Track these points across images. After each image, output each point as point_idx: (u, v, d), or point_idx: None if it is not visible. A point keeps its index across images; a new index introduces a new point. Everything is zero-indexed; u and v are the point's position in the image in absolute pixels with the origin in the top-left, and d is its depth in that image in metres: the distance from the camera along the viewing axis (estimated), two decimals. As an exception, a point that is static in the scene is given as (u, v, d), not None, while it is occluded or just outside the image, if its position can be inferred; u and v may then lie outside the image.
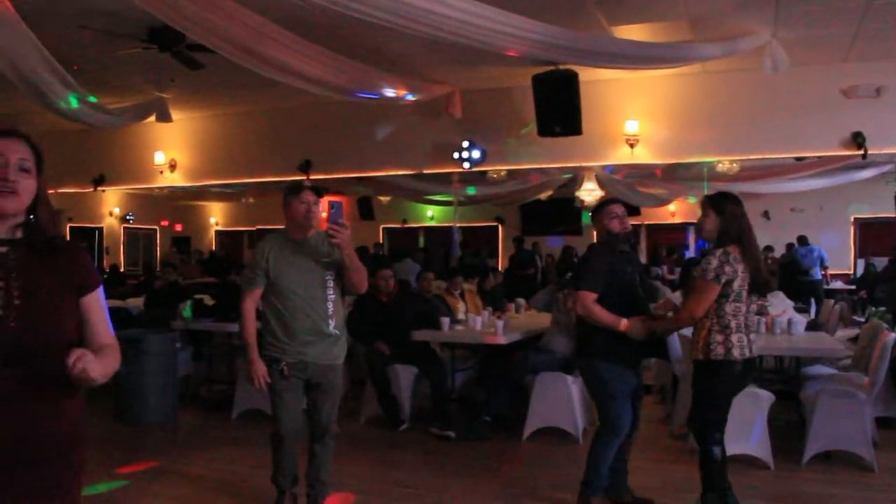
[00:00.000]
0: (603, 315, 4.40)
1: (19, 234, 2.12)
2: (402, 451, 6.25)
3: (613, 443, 4.53)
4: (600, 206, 4.77)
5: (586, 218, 17.61)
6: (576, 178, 12.84)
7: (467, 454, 6.08)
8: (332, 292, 4.41)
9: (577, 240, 16.69)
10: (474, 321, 7.29)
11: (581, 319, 4.58)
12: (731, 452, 4.53)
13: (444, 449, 6.25)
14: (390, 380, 6.95)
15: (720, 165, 10.73)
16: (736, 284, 4.10)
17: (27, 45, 5.73)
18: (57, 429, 2.10)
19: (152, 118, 9.74)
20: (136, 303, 9.92)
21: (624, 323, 4.37)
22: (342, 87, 7.64)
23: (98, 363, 1.98)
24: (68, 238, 2.27)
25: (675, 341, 6.38)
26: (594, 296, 4.41)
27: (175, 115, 10.06)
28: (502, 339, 6.66)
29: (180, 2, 5.54)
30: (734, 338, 4.11)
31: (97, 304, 2.21)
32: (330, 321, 4.39)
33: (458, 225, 15.00)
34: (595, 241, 4.93)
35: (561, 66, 8.00)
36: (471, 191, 13.62)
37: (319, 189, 4.69)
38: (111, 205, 18.84)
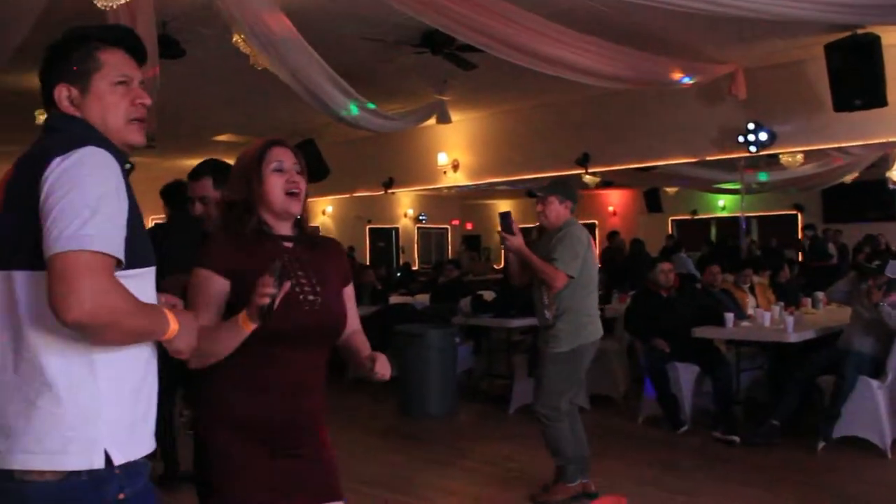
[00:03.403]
0: None
1: (295, 232, 2.37)
2: (681, 455, 5.90)
3: None
4: None
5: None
6: (886, 158, 11.52)
7: (752, 461, 5.61)
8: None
9: (888, 227, 14.95)
10: (762, 317, 6.75)
11: None
12: None
13: (726, 454, 5.82)
14: (670, 378, 6.62)
15: None
16: None
17: (309, 60, 6.14)
18: (319, 406, 2.37)
19: (433, 120, 10.10)
20: (423, 298, 10.36)
21: None
22: (617, 76, 7.42)
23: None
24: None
25: None
26: None
27: (454, 116, 10.35)
28: (792, 337, 6.09)
29: (447, 5, 5.65)
30: None
31: (352, 293, 2.50)
32: (546, 311, 4.69)
33: (751, 215, 14.03)
34: None
35: (859, 31, 7.15)
36: (762, 177, 12.68)
37: (532, 192, 4.92)
38: (405, 206, 19.96)
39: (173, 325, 1.77)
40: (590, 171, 10.79)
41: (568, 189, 4.84)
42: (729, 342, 6.86)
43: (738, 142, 8.98)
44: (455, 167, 11.75)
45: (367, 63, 8.00)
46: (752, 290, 8.39)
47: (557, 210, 4.71)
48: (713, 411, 6.43)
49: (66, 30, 1.90)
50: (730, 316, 6.57)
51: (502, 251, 5.06)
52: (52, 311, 1.55)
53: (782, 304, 7.62)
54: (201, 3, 6.11)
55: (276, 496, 2.24)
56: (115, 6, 4.31)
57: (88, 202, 1.59)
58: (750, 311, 7.50)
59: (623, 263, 12.59)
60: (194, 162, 3.38)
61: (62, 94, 1.82)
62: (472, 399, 8.02)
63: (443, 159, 11.75)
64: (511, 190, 17.54)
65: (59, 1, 5.37)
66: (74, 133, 1.75)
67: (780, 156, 10.20)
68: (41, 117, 8.95)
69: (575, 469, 4.76)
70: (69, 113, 1.83)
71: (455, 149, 11.80)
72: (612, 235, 14.52)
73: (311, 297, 2.25)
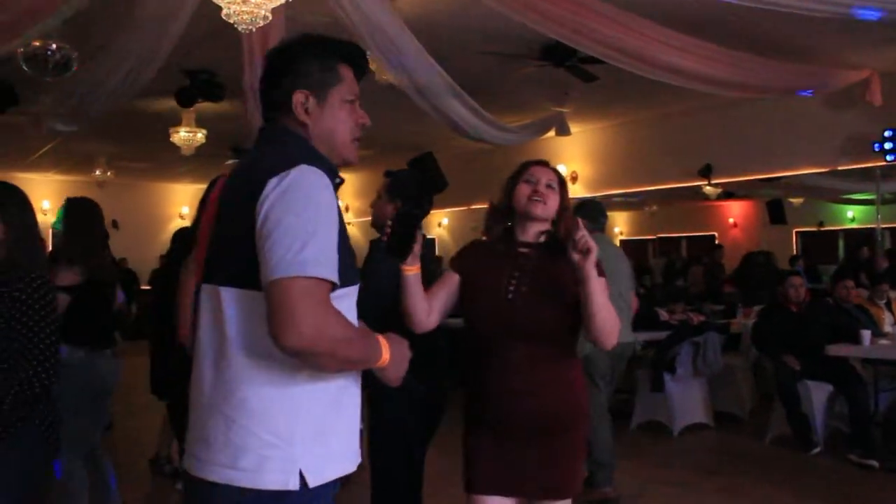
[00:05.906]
0: None
1: (542, 239, 2.63)
2: (812, 478, 5.65)
3: None
4: None
5: None
6: None
7: (891, 488, 5.34)
8: None
9: None
10: (902, 335, 6.43)
11: None
12: None
13: (862, 479, 5.55)
14: (800, 397, 6.37)
15: None
16: None
17: (432, 74, 6.25)
18: (550, 409, 2.52)
19: (552, 132, 10.07)
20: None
21: None
22: (742, 85, 7.23)
23: None
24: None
25: None
26: None
27: (573, 127, 10.30)
28: (936, 356, 5.78)
29: (569, 17, 5.65)
30: None
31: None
32: None
33: (884, 226, 13.32)
34: None
35: None
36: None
37: None
38: (521, 218, 19.83)
39: (385, 356, 1.78)
40: (712, 182, 10.54)
41: (588, 210, 5.06)
42: (865, 360, 6.56)
43: (872, 150, 8.59)
44: (573, 179, 11.67)
45: (488, 75, 8.06)
46: (888, 305, 8.00)
47: None
48: (848, 433, 6.16)
49: (307, 36, 1.90)
50: (867, 333, 6.28)
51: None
52: (272, 337, 1.56)
53: (923, 321, 7.25)
54: (325, 22, 6.30)
55: (497, 488, 2.54)
56: (253, 28, 4.49)
57: (306, 226, 1.58)
58: (888, 328, 7.16)
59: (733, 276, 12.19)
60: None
61: (299, 99, 1.81)
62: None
63: (561, 171, 11.69)
64: (627, 202, 17.28)
65: (194, 26, 5.64)
66: (290, 147, 1.77)
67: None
68: (175, 136, 9.29)
69: (604, 476, 4.94)
70: (300, 119, 1.82)
71: (573, 160, 11.73)
72: (715, 249, 14.13)
73: (510, 297, 2.51)
